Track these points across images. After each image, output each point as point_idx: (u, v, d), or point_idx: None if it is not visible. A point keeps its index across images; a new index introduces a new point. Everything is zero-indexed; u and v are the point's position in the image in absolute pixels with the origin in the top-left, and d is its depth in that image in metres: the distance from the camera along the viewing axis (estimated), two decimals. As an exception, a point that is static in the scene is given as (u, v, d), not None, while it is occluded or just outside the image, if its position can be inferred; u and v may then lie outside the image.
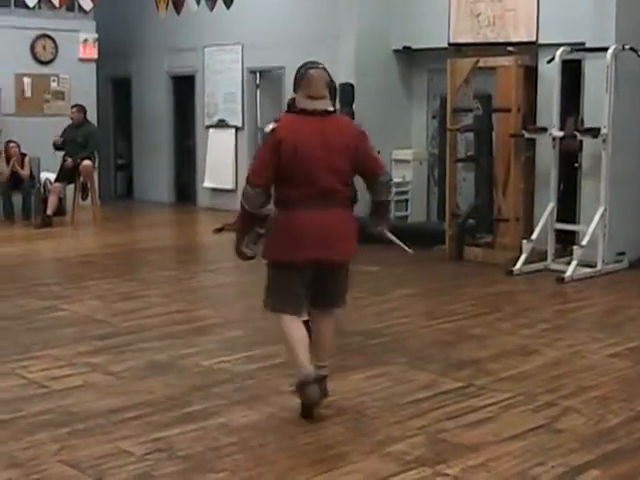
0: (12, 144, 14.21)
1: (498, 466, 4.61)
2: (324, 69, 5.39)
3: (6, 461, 4.64)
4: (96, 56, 15.98)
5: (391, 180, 5.82)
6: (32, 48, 15.36)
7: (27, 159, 14.25)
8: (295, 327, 5.32)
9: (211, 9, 15.48)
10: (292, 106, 5.31)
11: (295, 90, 5.32)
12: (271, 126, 5.30)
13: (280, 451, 4.81)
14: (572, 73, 10.43)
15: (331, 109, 5.32)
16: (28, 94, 15.33)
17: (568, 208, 10.63)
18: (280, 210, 5.34)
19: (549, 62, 10.34)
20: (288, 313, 5.32)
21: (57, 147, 13.85)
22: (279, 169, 5.20)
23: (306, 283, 5.35)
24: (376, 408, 5.49)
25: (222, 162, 15.49)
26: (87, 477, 4.46)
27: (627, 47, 9.82)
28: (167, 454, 4.74)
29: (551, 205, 10.25)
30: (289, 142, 5.16)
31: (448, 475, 4.51)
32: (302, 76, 5.30)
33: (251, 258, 5.49)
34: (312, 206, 5.20)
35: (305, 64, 5.40)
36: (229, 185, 15.43)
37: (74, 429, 5.09)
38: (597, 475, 4.54)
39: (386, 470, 4.56)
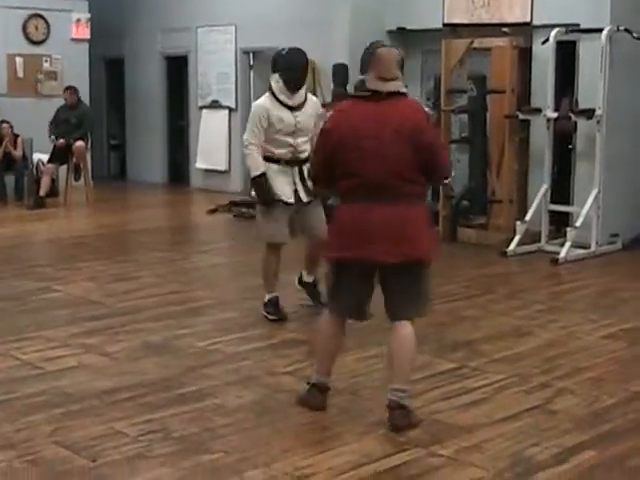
0: (5, 125, 14.13)
1: (492, 447, 4.62)
2: (395, 47, 5.10)
3: (0, 442, 4.64)
4: (89, 36, 15.89)
5: (448, 179, 5.50)
6: (24, 28, 15.25)
7: (20, 140, 14.17)
8: (330, 333, 5.17)
9: (204, -11, 15.46)
10: (359, 89, 4.99)
11: (363, 72, 4.96)
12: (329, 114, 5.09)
13: (275, 432, 4.82)
14: (567, 54, 10.41)
15: (402, 90, 4.93)
16: (20, 74, 15.24)
17: (562, 189, 10.63)
18: (337, 205, 5.12)
19: (544, 43, 10.31)
20: (335, 315, 5.14)
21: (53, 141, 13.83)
22: (331, 161, 4.94)
23: (367, 285, 5.01)
24: (370, 389, 5.50)
25: (215, 143, 15.43)
26: (81, 458, 4.46)
27: (622, 28, 9.80)
28: (161, 435, 4.75)
29: (545, 186, 10.24)
30: (337, 131, 4.92)
31: (442, 456, 4.52)
32: (371, 55, 4.94)
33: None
34: (358, 200, 4.86)
35: (372, 43, 5.04)
36: (222, 166, 15.39)
37: (68, 410, 5.10)
38: (592, 456, 4.56)
39: (381, 451, 4.58)
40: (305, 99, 6.99)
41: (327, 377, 5.17)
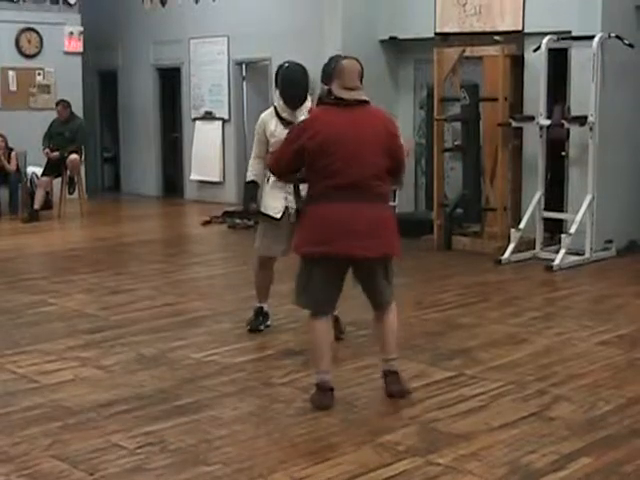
0: (-1, 138, 14.16)
1: (490, 455, 4.63)
2: (356, 59, 5.42)
3: (-3, 456, 4.64)
4: (82, 49, 15.93)
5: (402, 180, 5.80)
6: (17, 42, 15.30)
7: (14, 153, 14.16)
8: (320, 331, 5.37)
9: (196, 1, 15.50)
10: (325, 97, 5.38)
11: (326, 83, 5.38)
12: (302, 118, 5.56)
13: (272, 443, 4.82)
14: (559, 62, 10.44)
15: (365, 99, 5.32)
16: (13, 88, 15.26)
17: (556, 197, 10.65)
18: (311, 204, 5.38)
19: (535, 51, 10.33)
20: (315, 313, 5.36)
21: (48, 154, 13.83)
22: (308, 163, 5.26)
23: (341, 279, 5.35)
24: (367, 399, 5.50)
25: (209, 155, 15.45)
26: (79, 472, 4.46)
27: (613, 35, 9.83)
28: (159, 447, 4.74)
29: (539, 194, 10.26)
30: (318, 136, 5.19)
31: (440, 465, 4.52)
32: (335, 67, 5.33)
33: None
34: (340, 200, 5.18)
35: (334, 57, 5.46)
36: (216, 177, 15.41)
37: (65, 423, 5.09)
38: (588, 462, 4.56)
39: (378, 460, 4.57)
40: (304, 116, 6.66)
41: (329, 375, 5.39)
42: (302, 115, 6.60)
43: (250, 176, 6.87)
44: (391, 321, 5.52)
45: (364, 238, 5.19)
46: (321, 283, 5.30)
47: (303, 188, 6.22)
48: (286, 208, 6.72)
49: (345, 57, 5.49)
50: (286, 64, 6.83)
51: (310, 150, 5.21)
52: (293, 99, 6.67)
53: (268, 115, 6.82)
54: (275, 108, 6.79)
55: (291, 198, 6.61)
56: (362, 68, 5.40)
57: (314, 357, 5.48)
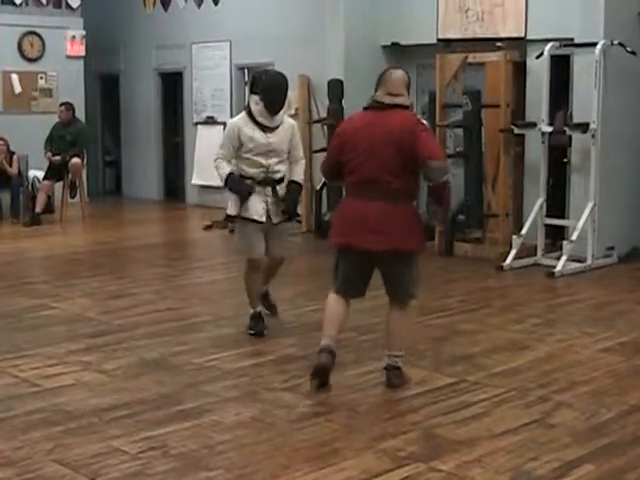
0: (1, 142, 14.14)
1: (492, 461, 4.62)
2: (405, 71, 5.87)
3: (-1, 460, 4.64)
4: (84, 53, 15.93)
5: (446, 166, 5.77)
6: (19, 45, 15.30)
7: (15, 157, 14.16)
8: (332, 304, 5.80)
9: (199, 6, 15.45)
10: (370, 102, 5.77)
11: (376, 90, 5.74)
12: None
13: (274, 448, 4.81)
14: (561, 68, 10.45)
15: (405, 104, 5.70)
16: (16, 91, 15.26)
17: (557, 203, 10.65)
18: (342, 199, 5.99)
19: (538, 57, 10.35)
20: (334, 291, 5.81)
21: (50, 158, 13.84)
22: (338, 158, 5.77)
23: (365, 270, 5.76)
24: (369, 404, 5.49)
25: (211, 159, 15.36)
26: (81, 476, 4.45)
27: (615, 42, 9.83)
28: (160, 452, 4.73)
29: (540, 200, 10.26)
30: (341, 135, 5.80)
31: (442, 471, 4.51)
32: (382, 74, 5.78)
33: None
34: (358, 195, 5.64)
35: (388, 67, 6.04)
36: (218, 182, 15.36)
37: (67, 428, 5.08)
38: (591, 469, 4.55)
39: (380, 466, 4.57)
40: (281, 122, 7.02)
41: (333, 342, 5.71)
42: (279, 121, 6.92)
43: (226, 170, 7.02)
44: (403, 318, 5.77)
45: (373, 232, 5.53)
46: (345, 270, 5.77)
47: (281, 189, 6.99)
48: (267, 211, 6.98)
49: (394, 67, 6.04)
50: (266, 70, 7.08)
51: (339, 147, 5.77)
52: (274, 104, 6.88)
53: (241, 120, 7.00)
54: (250, 113, 6.93)
55: (271, 201, 6.97)
56: (409, 77, 5.83)
57: (323, 325, 5.83)
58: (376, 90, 5.73)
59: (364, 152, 5.56)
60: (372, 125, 5.60)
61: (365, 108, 5.81)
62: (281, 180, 7.03)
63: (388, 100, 5.63)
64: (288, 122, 7.14)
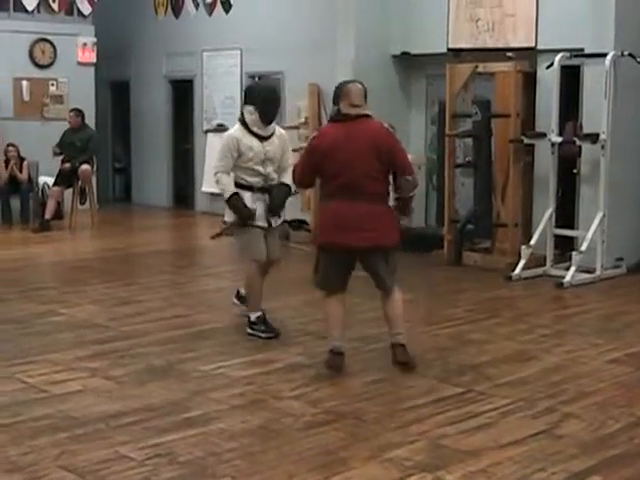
0: (11, 148, 14.19)
1: (498, 472, 4.61)
2: (360, 82, 6.40)
3: (6, 466, 4.64)
4: (95, 60, 15.98)
5: (415, 181, 6.45)
6: (31, 52, 15.35)
7: (26, 163, 14.23)
8: (332, 306, 6.33)
9: (210, 13, 15.55)
10: (335, 115, 6.36)
11: (336, 103, 6.32)
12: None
13: (281, 456, 4.81)
14: (571, 79, 10.44)
15: (367, 113, 6.28)
16: (27, 98, 15.32)
17: (567, 213, 10.64)
18: (322, 202, 6.49)
19: (548, 68, 10.35)
20: (327, 293, 6.32)
21: (56, 153, 13.86)
22: (317, 168, 6.29)
23: (348, 266, 6.29)
24: (376, 413, 5.49)
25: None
26: (87, 482, 4.46)
27: (626, 53, 9.83)
28: (167, 459, 4.74)
29: (550, 210, 10.25)
30: (321, 147, 6.25)
31: (449, 481, 4.51)
32: (342, 89, 6.30)
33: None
34: (339, 198, 6.17)
35: (342, 82, 6.46)
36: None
37: (74, 434, 5.09)
38: (598, 481, 4.54)
39: (386, 476, 4.57)
40: (273, 131, 7.29)
41: (340, 341, 6.30)
42: (272, 130, 7.21)
43: (230, 189, 7.14)
44: (395, 301, 6.35)
45: (358, 231, 6.12)
46: (331, 268, 6.30)
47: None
48: (267, 217, 7.28)
49: (350, 81, 6.50)
50: (259, 82, 7.23)
51: (318, 159, 6.24)
52: (268, 114, 7.20)
53: (239, 132, 7.21)
54: (245, 123, 7.17)
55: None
56: (365, 89, 6.33)
57: (328, 327, 6.37)
58: (336, 103, 6.32)
59: (344, 161, 6.12)
60: (348, 137, 6.16)
61: (331, 121, 6.46)
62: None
63: (354, 111, 6.22)
64: (279, 131, 7.43)
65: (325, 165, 6.20)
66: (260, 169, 7.18)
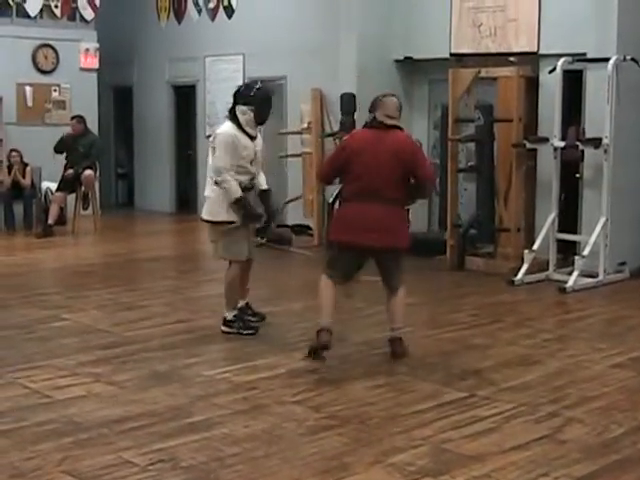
0: (14, 153, 14.21)
1: (502, 476, 4.61)
2: (396, 97, 6.90)
3: (9, 471, 4.64)
4: (97, 66, 15.99)
5: (433, 190, 7.20)
6: (33, 57, 15.36)
7: (29, 168, 14.24)
8: (327, 289, 6.71)
9: (212, 19, 15.58)
10: (371, 121, 6.75)
11: (371, 111, 6.76)
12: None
13: (284, 462, 4.80)
14: (573, 83, 10.45)
15: (398, 124, 6.72)
16: (29, 103, 15.34)
17: (569, 218, 10.64)
18: (341, 203, 6.99)
19: (550, 72, 10.35)
20: (328, 277, 6.71)
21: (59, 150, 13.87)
22: (343, 166, 6.70)
23: (359, 263, 6.77)
24: (379, 418, 5.48)
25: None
26: (91, 487, 4.46)
27: (628, 58, 9.83)
28: (170, 465, 4.73)
29: (552, 215, 10.25)
30: (348, 148, 6.75)
31: (452, 486, 4.51)
32: (380, 100, 6.77)
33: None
34: (359, 200, 6.60)
35: (382, 95, 6.86)
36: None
37: (77, 439, 5.09)
38: (601, 486, 4.54)
39: (390, 481, 4.56)
40: (258, 132, 7.51)
41: (330, 320, 6.65)
42: (259, 131, 7.40)
43: (238, 191, 7.22)
44: (399, 299, 6.80)
45: (373, 232, 6.52)
46: (344, 263, 6.73)
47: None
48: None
49: (388, 94, 6.91)
50: (257, 82, 7.63)
51: (345, 157, 6.70)
52: (263, 116, 7.40)
53: (234, 130, 7.31)
54: (238, 123, 7.26)
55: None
56: (401, 104, 6.85)
57: (321, 307, 6.71)
58: (371, 111, 6.74)
59: (369, 165, 6.53)
60: (377, 142, 6.58)
61: (366, 126, 6.83)
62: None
63: (388, 121, 6.65)
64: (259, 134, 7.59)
65: (351, 164, 6.61)
66: (250, 168, 7.34)
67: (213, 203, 7.41)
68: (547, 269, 10.24)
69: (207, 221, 7.56)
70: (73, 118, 14.24)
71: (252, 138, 7.34)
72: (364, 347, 7.09)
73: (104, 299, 9.08)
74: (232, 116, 7.36)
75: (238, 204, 7.23)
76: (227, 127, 7.36)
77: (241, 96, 7.42)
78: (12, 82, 15.05)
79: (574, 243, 10.47)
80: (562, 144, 10.18)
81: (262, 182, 7.54)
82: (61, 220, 14.02)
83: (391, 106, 6.72)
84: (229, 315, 7.52)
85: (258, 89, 7.42)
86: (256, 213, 7.37)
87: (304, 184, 13.51)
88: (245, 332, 7.44)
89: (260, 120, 7.36)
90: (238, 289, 7.57)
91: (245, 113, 7.26)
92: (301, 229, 13.20)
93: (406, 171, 6.59)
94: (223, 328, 7.52)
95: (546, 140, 10.37)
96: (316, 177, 7.60)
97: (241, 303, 7.68)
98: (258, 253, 8.03)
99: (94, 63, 15.95)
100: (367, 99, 12.12)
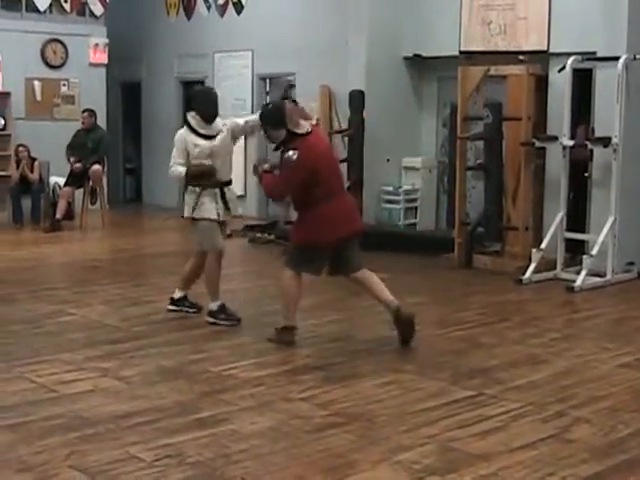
0: (22, 148, 14.22)
1: (509, 476, 4.60)
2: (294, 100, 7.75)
3: (16, 466, 4.64)
4: (106, 61, 16.01)
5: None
6: (42, 52, 15.39)
7: (37, 163, 14.26)
8: (296, 287, 7.04)
9: (222, 15, 15.57)
10: (291, 135, 6.99)
11: (281, 125, 6.98)
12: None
13: (290, 458, 4.81)
14: (583, 82, 10.42)
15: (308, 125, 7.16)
16: (38, 98, 15.35)
17: (578, 217, 10.61)
18: (308, 206, 6.97)
19: (560, 71, 10.33)
20: (297, 273, 7.00)
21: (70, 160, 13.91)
22: (304, 181, 6.90)
23: (324, 259, 7.01)
24: (386, 416, 5.48)
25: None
26: (97, 482, 4.46)
27: (638, 57, 9.80)
28: (177, 460, 4.73)
29: (561, 214, 10.23)
30: (311, 164, 6.88)
31: (459, 484, 4.50)
32: (282, 112, 7.05)
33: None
34: (330, 199, 6.91)
35: (271, 104, 7.58)
36: (238, 191, 15.36)
37: (84, 434, 5.09)
38: (608, 486, 4.53)
39: (396, 479, 4.55)
40: (219, 129, 7.80)
41: (294, 319, 7.08)
42: (217, 127, 7.77)
43: (181, 172, 7.76)
44: (371, 275, 7.06)
45: (354, 220, 7.14)
46: (321, 259, 6.98)
47: (228, 190, 7.88)
48: (218, 211, 7.77)
49: (281, 101, 7.77)
50: (199, 88, 8.35)
51: (305, 174, 6.85)
52: (207, 114, 7.72)
53: (185, 132, 7.81)
54: (190, 126, 7.77)
55: (220, 204, 7.76)
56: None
57: (288, 305, 7.08)
58: (281, 125, 6.97)
59: (327, 170, 6.99)
60: (323, 148, 7.20)
61: (303, 135, 7.00)
62: (228, 182, 7.88)
63: (309, 126, 7.10)
64: (221, 122, 7.86)
65: (316, 175, 6.89)
66: (205, 162, 7.68)
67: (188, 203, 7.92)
68: (555, 268, 10.21)
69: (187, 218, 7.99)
70: (84, 111, 14.28)
71: (208, 137, 7.71)
72: (372, 344, 7.09)
73: (111, 294, 9.09)
74: (185, 121, 7.92)
75: (191, 174, 7.66)
76: (181, 130, 7.90)
77: (190, 103, 8.12)
78: (21, 77, 15.09)
79: (582, 242, 10.45)
80: (571, 143, 10.16)
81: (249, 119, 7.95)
82: (69, 215, 14.05)
83: (296, 109, 7.18)
84: (213, 306, 7.82)
85: (197, 92, 8.23)
86: (208, 168, 7.65)
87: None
88: (227, 323, 7.72)
89: (207, 118, 7.70)
90: (218, 279, 7.86)
91: (194, 117, 7.76)
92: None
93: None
94: (207, 318, 7.79)
95: (555, 139, 10.34)
96: (270, 196, 8.04)
97: (182, 293, 8.21)
98: (266, 250, 8.03)
99: (103, 58, 15.97)
100: (375, 97, 12.32)
